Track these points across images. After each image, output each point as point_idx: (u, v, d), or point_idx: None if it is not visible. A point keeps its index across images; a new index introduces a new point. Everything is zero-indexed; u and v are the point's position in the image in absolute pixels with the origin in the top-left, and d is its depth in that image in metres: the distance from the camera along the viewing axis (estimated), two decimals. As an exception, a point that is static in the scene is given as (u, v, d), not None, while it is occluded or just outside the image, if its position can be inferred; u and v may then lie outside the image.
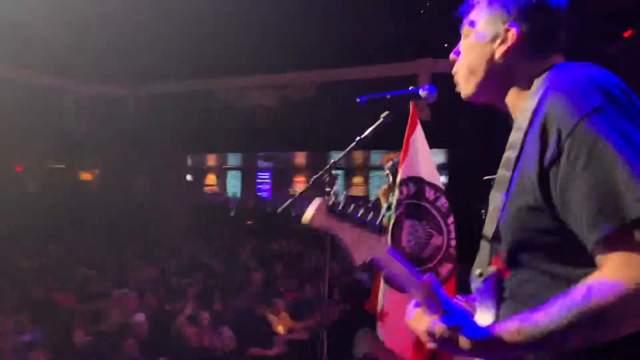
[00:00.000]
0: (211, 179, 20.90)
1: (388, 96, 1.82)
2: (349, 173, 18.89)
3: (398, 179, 3.42)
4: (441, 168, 17.00)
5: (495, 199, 1.18)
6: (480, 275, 1.19)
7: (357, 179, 18.81)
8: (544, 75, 1.17)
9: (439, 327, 1.08)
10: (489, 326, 1.07)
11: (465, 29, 1.32)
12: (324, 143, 15.00)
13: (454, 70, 1.37)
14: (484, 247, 1.21)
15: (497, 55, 1.25)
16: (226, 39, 11.10)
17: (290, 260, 10.12)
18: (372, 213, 1.15)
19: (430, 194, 3.53)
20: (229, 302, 7.06)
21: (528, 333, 0.99)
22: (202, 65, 12.20)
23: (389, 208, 4.61)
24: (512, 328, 1.02)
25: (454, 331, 1.06)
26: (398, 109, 1.87)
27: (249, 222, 15.34)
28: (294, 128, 13.31)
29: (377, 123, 1.96)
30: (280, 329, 6.68)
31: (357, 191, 18.74)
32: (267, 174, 20.01)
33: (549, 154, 1.03)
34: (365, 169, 18.69)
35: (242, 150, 16.76)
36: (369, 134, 2.01)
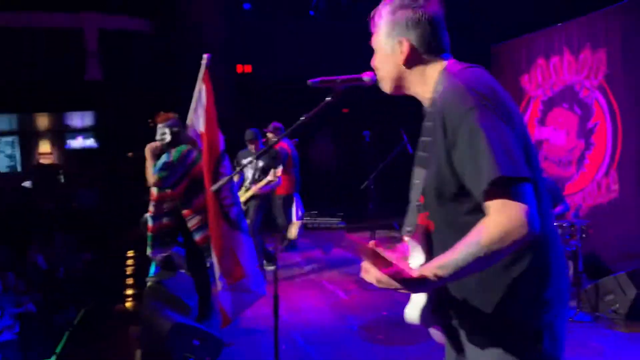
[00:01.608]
0: None
1: (338, 80, 1.92)
2: (29, 139, 15.09)
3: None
4: (90, 129, 15.12)
5: (419, 174, 1.62)
6: (410, 231, 1.63)
7: (45, 146, 15.56)
8: (441, 75, 1.56)
9: (383, 277, 1.41)
10: (419, 268, 1.41)
11: (374, 44, 1.69)
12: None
13: (377, 75, 1.72)
14: (412, 210, 1.65)
15: (400, 62, 1.61)
16: None
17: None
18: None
19: None
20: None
21: (447, 268, 1.36)
22: None
23: (163, 167, 4.24)
24: (435, 266, 1.38)
25: (394, 276, 1.38)
26: (341, 92, 1.95)
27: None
28: None
29: (322, 104, 1.99)
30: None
31: (47, 159, 16.20)
32: None
33: (449, 140, 1.44)
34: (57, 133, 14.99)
35: None
36: (312, 115, 2.02)
